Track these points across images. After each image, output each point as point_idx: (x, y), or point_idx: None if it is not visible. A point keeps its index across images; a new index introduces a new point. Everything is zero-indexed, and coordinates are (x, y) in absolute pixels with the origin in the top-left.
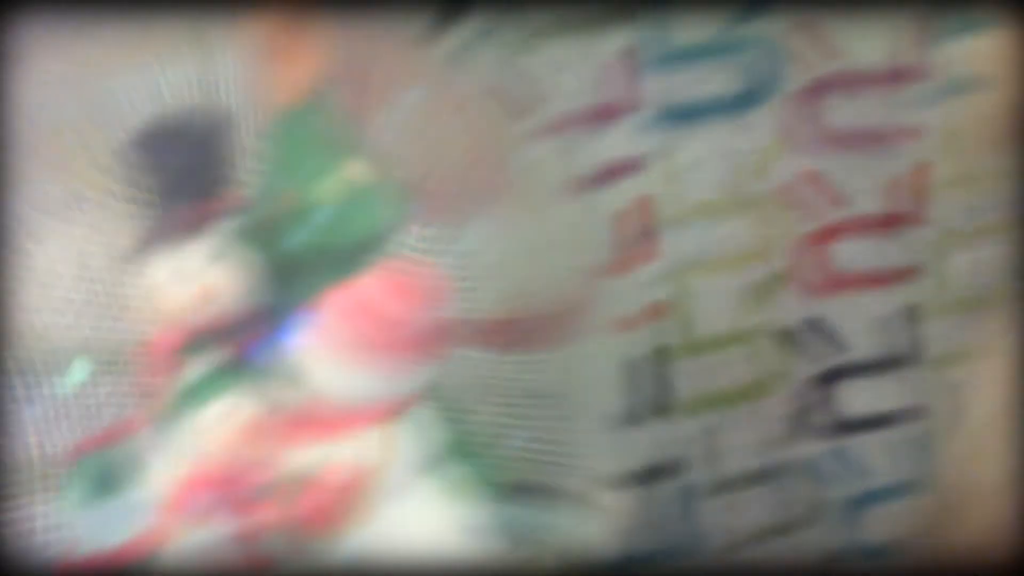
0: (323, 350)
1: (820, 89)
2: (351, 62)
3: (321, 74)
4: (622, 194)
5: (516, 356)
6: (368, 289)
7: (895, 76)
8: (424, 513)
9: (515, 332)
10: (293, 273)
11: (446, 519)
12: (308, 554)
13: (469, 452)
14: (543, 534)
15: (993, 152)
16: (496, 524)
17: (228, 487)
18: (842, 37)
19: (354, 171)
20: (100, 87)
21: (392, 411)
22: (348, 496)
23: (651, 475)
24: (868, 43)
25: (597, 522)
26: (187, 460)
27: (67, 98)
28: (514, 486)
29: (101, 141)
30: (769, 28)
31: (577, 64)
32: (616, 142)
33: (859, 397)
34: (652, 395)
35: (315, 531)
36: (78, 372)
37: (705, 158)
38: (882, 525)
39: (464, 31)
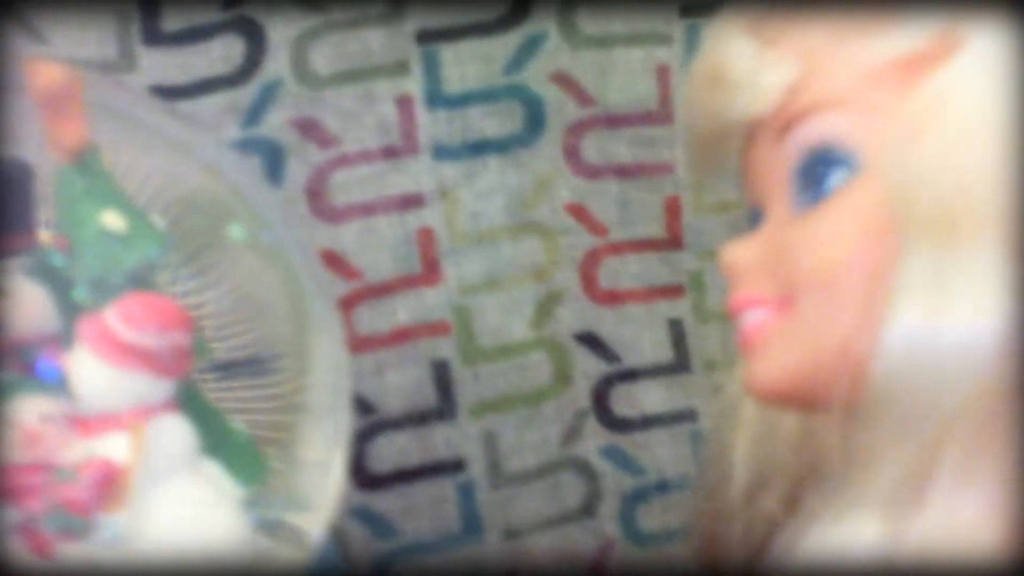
0: (84, 367)
1: (585, 128)
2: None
3: (87, 135)
4: (411, 223)
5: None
6: (108, 317)
7: (647, 117)
8: (177, 504)
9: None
10: (74, 304)
11: (198, 512)
12: (77, 536)
13: (221, 452)
14: (296, 532)
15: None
16: (249, 520)
17: (12, 481)
18: (595, 85)
19: (117, 220)
20: None
21: (144, 415)
22: (108, 486)
23: (430, 472)
24: (617, 89)
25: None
26: None
27: None
28: (266, 484)
29: None
30: (536, 75)
31: (363, 108)
32: (405, 177)
33: (633, 401)
34: (436, 400)
35: (82, 516)
36: None
37: (488, 190)
38: (655, 517)
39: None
